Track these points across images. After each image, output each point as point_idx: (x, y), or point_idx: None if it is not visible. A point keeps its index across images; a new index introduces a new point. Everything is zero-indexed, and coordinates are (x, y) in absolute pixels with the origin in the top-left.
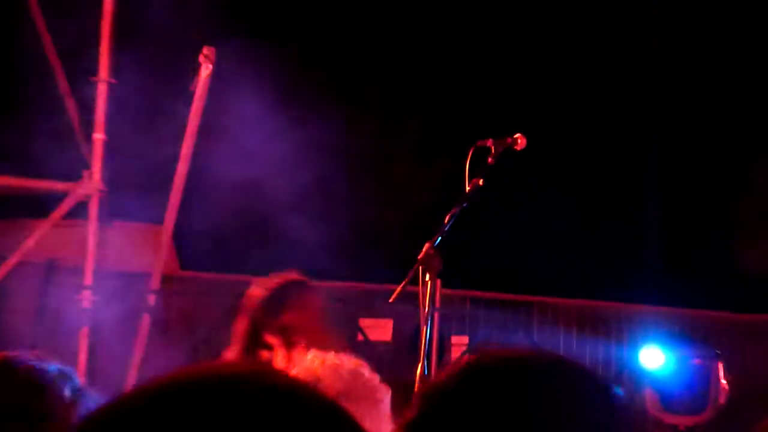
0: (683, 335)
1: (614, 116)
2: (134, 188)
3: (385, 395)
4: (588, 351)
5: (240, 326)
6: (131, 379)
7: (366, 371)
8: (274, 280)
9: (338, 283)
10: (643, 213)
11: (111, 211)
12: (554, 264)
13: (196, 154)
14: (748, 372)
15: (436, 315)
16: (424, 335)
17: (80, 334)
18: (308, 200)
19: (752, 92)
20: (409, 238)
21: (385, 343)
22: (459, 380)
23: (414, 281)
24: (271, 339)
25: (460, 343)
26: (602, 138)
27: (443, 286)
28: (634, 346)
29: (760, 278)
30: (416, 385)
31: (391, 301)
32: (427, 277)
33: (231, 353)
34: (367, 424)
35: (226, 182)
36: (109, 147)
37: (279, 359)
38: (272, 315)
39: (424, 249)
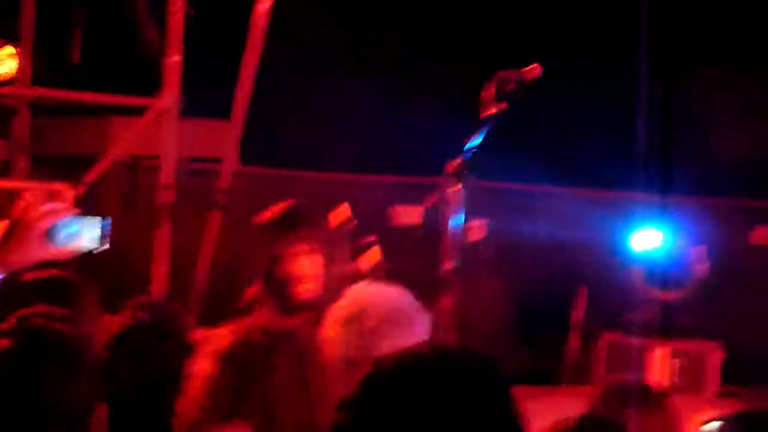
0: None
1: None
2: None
3: (423, 320)
4: (587, 231)
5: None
6: (204, 270)
7: (408, 298)
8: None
9: (376, 176)
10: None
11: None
12: (554, 156)
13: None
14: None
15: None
16: (448, 230)
17: (161, 227)
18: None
19: None
20: (435, 142)
21: (415, 226)
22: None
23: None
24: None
25: (477, 225)
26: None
27: None
28: (627, 231)
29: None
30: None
31: (428, 207)
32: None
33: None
34: (405, 344)
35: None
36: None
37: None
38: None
39: (455, 161)
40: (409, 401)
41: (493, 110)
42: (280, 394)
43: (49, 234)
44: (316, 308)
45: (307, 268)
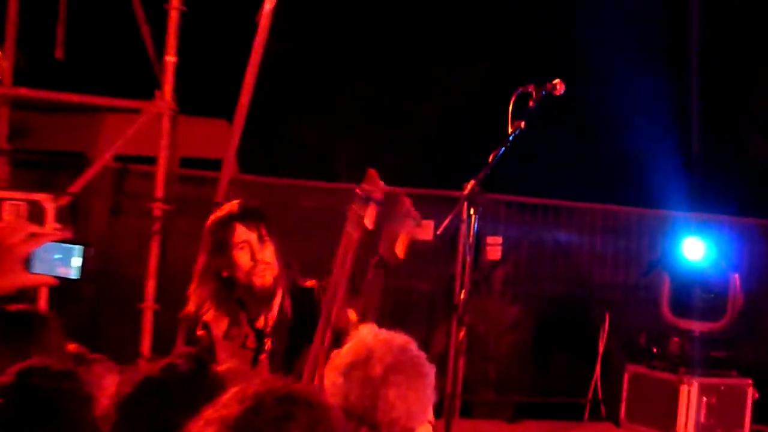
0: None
1: None
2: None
3: (430, 369)
4: (611, 251)
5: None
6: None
7: (414, 347)
8: None
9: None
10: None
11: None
12: (579, 173)
13: None
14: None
15: (473, 220)
16: (460, 264)
17: (152, 242)
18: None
19: None
20: (448, 151)
21: (425, 242)
22: None
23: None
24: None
25: (494, 243)
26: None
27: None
28: (669, 243)
29: None
30: (457, 277)
31: (438, 233)
32: (471, 211)
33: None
34: (411, 394)
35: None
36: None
37: None
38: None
39: (469, 186)
40: None
41: (511, 128)
42: None
43: (29, 260)
44: (269, 298)
45: (258, 255)
